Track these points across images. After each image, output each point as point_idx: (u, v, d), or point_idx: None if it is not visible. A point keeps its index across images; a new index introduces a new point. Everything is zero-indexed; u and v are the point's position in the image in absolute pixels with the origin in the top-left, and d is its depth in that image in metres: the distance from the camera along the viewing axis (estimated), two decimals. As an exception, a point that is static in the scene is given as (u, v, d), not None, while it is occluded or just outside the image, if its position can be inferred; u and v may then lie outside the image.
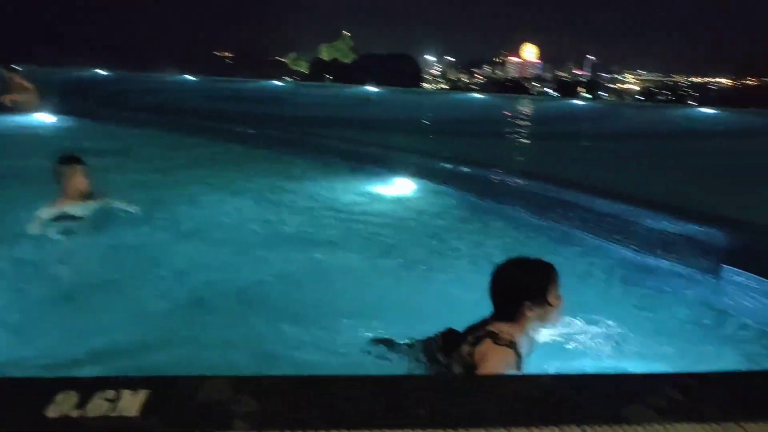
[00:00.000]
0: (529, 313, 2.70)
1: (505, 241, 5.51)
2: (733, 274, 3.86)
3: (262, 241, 5.40)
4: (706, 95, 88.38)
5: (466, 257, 5.12)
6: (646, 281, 4.26)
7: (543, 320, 2.75)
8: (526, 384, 2.01)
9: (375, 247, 5.39)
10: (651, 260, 4.47)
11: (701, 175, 11.72)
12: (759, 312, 3.67)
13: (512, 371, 2.53)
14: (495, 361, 2.52)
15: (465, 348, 2.65)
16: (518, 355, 2.60)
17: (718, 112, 36.09)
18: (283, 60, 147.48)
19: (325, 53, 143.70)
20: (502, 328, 2.67)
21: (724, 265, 3.95)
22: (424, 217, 6.51)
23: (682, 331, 3.46)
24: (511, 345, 2.60)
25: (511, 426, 1.70)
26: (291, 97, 36.15)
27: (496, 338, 2.61)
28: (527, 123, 26.26)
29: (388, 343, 3.05)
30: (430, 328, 2.96)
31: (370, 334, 3.27)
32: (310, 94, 38.94)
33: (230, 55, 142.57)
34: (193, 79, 46.37)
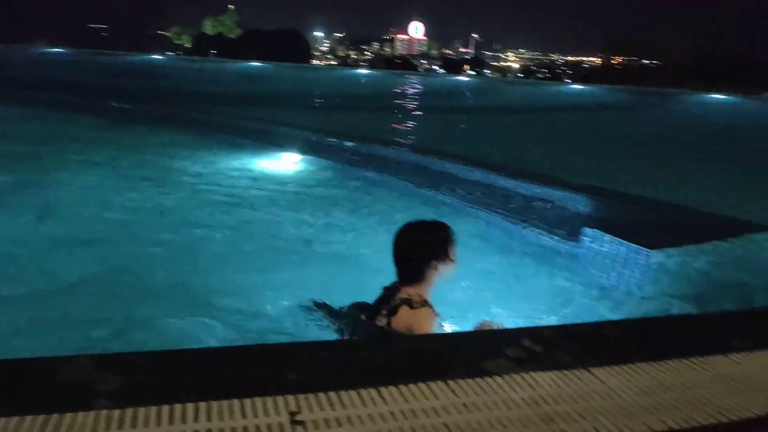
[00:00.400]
0: (434, 273, 2.79)
1: (389, 210, 5.61)
2: (592, 236, 4.16)
3: (138, 219, 5.15)
4: (578, 73, 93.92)
5: (354, 228, 5.17)
6: (513, 244, 4.49)
7: (444, 277, 2.84)
8: (393, 345, 2.05)
9: (261, 222, 5.31)
10: (519, 225, 4.70)
11: (569, 146, 12.52)
12: (611, 269, 3.99)
13: (438, 329, 2.63)
14: (419, 325, 2.58)
15: (381, 320, 2.66)
16: (436, 313, 2.68)
17: (588, 88, 38.65)
18: (165, 34, 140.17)
19: (209, 27, 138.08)
20: (411, 292, 2.74)
21: (585, 228, 4.25)
22: (311, 190, 6.48)
23: (546, 288, 3.68)
24: (426, 304, 2.69)
25: (380, 386, 1.73)
26: (171, 71, 34.44)
27: (411, 303, 2.67)
28: (412, 98, 26.71)
29: (322, 309, 2.93)
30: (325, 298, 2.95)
31: (257, 308, 3.24)
32: (192, 69, 37.31)
33: (106, 26, 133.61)
34: (64, 51, 42.99)
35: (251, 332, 3.13)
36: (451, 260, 2.83)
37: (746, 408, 1.76)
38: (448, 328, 2.81)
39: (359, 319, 2.74)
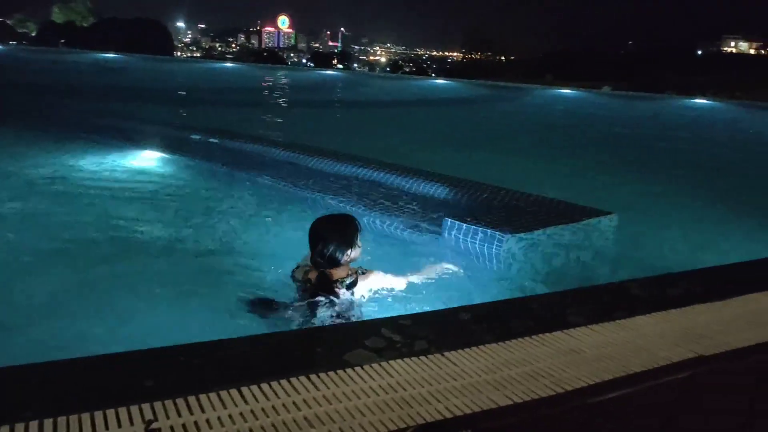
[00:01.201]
0: (347, 258, 3.36)
1: (255, 207, 5.54)
2: (453, 224, 4.39)
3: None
4: (442, 67, 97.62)
5: (221, 228, 5.02)
6: (382, 237, 4.61)
7: (354, 260, 3.44)
8: (257, 341, 2.05)
9: (118, 227, 5.00)
10: (385, 216, 4.82)
11: (430, 138, 13.05)
12: (471, 253, 4.24)
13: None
14: (378, 283, 3.40)
15: (341, 294, 3.27)
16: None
17: (451, 82, 40.35)
18: (7, 22, 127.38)
19: (58, 15, 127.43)
20: (338, 272, 3.35)
21: (447, 218, 4.46)
22: (172, 190, 6.22)
23: (412, 278, 3.83)
24: (365, 271, 3.45)
25: (241, 386, 1.72)
26: (11, 62, 31.47)
27: (359, 274, 3.39)
28: (280, 92, 26.40)
29: (267, 305, 3.32)
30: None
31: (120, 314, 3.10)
32: (37, 60, 34.31)
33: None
34: None
35: (115, 340, 2.99)
36: (359, 246, 3.42)
37: (579, 378, 1.96)
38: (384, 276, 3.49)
39: (312, 302, 3.22)
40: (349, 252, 3.34)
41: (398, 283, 3.53)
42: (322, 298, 3.24)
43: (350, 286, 3.33)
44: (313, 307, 3.21)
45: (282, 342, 2.08)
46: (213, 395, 1.66)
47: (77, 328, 3.06)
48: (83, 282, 3.81)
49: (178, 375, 1.78)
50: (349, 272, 3.39)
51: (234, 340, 2.02)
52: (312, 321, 3.13)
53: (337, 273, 3.35)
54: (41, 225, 4.95)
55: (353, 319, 3.19)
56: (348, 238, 3.36)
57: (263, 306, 3.30)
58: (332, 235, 3.32)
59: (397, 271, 3.61)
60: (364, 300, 3.35)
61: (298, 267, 3.51)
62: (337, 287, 3.29)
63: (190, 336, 2.62)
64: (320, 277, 3.32)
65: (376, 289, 3.42)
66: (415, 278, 3.66)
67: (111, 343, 2.94)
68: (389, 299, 3.44)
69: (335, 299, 3.26)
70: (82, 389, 1.69)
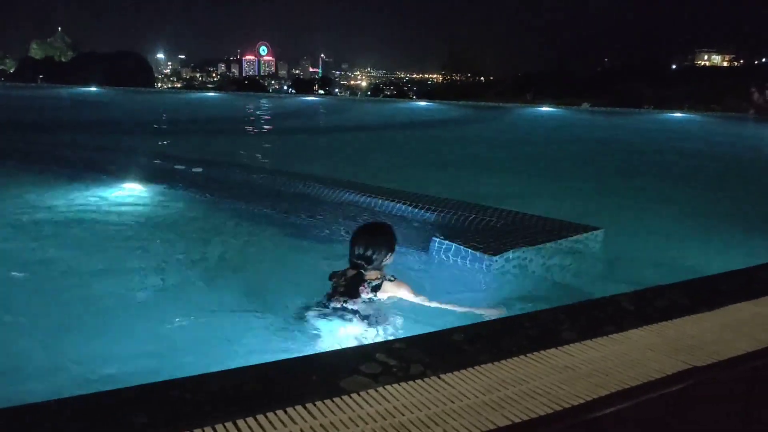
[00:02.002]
0: (387, 261, 3.79)
1: (237, 237, 5.51)
2: (441, 244, 4.40)
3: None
4: (423, 90, 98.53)
5: (207, 259, 4.98)
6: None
7: (390, 263, 3.83)
8: (249, 372, 2.04)
9: (106, 260, 4.95)
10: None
11: (417, 160, 13.14)
12: (460, 273, 4.25)
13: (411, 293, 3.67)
14: (401, 292, 3.66)
15: (365, 294, 3.61)
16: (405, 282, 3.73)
17: (433, 104, 40.76)
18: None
19: (36, 51, 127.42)
20: (370, 275, 3.68)
21: (435, 237, 4.48)
22: (154, 221, 6.17)
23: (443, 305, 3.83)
24: (395, 278, 3.71)
25: (236, 418, 1.71)
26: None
27: (388, 279, 3.68)
28: (262, 120, 26.47)
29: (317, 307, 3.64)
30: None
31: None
32: (15, 96, 34.19)
33: None
34: None
35: (101, 373, 2.95)
36: (394, 251, 3.84)
37: (575, 395, 1.96)
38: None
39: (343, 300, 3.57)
40: (383, 255, 3.76)
41: (424, 302, 3.69)
42: (342, 305, 3.58)
43: (375, 288, 3.62)
44: (337, 310, 3.57)
45: (275, 371, 2.07)
46: (208, 429, 1.64)
47: (58, 363, 3.01)
48: (64, 316, 3.75)
49: (171, 410, 1.76)
50: (379, 276, 3.69)
51: (227, 371, 2.00)
52: (335, 319, 3.50)
53: (370, 275, 3.69)
54: (20, 260, 4.89)
55: (371, 319, 3.50)
56: (383, 241, 3.79)
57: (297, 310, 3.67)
58: (370, 238, 3.76)
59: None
60: (385, 304, 3.64)
61: (336, 271, 3.84)
62: (363, 287, 3.62)
63: (182, 370, 2.60)
64: (355, 276, 3.67)
65: (398, 299, 3.69)
66: (444, 306, 3.66)
67: (94, 378, 2.91)
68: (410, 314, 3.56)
69: (356, 300, 3.59)
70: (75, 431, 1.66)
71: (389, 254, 3.80)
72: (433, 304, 3.68)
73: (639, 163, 14.28)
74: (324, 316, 3.55)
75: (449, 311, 3.65)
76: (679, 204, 8.48)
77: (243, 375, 2.03)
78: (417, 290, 3.70)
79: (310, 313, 3.58)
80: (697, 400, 2.14)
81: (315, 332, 3.45)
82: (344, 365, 2.06)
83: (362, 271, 3.71)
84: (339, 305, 3.58)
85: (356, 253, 3.73)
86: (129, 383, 1.88)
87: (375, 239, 3.77)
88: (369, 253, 3.70)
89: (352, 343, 3.21)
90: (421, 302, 3.68)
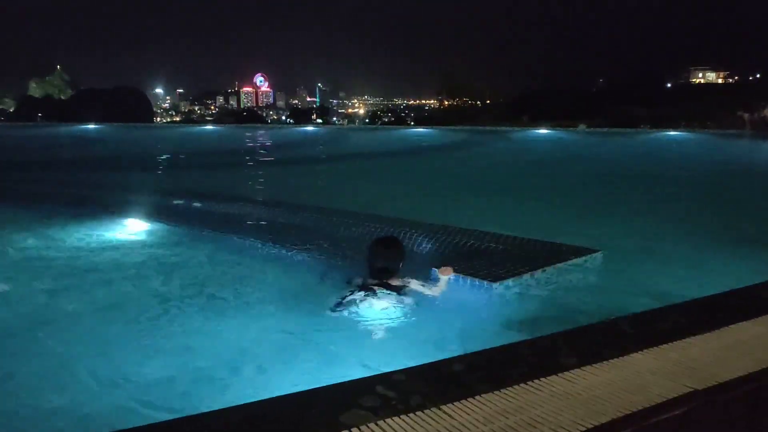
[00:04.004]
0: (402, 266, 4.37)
1: (241, 268, 5.49)
2: (440, 275, 4.41)
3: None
4: (420, 115, 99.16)
5: (208, 295, 4.94)
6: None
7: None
8: (248, 409, 2.03)
9: (110, 298, 4.91)
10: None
11: (417, 187, 13.19)
12: (460, 301, 4.24)
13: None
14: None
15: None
16: None
17: (430, 129, 41.06)
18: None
19: (35, 89, 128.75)
20: (395, 281, 4.27)
21: (434, 269, 4.49)
22: (157, 258, 6.16)
23: (406, 329, 3.83)
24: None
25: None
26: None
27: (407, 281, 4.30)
28: (261, 151, 26.62)
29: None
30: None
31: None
32: (12, 136, 34.50)
33: None
34: None
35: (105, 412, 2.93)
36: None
37: (577, 422, 1.95)
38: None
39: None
40: (404, 264, 4.37)
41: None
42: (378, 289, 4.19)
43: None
44: (374, 291, 4.16)
45: (275, 407, 2.06)
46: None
47: (62, 400, 2.99)
48: (69, 355, 3.74)
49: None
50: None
51: (226, 410, 2.00)
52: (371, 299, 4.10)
53: (394, 281, 4.24)
54: (25, 301, 4.88)
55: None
56: (404, 252, 4.43)
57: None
58: (394, 252, 4.39)
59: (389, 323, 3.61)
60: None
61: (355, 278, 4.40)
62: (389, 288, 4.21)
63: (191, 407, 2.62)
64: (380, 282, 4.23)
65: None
66: (406, 329, 3.68)
67: (99, 412, 2.90)
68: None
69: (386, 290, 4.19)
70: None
71: (402, 262, 4.40)
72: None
73: (645, 185, 14.29)
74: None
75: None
76: (690, 223, 8.46)
77: (242, 413, 2.02)
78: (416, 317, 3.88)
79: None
80: (700, 423, 2.13)
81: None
82: (343, 399, 2.06)
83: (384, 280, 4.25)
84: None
85: (381, 263, 4.30)
86: (135, 420, 1.88)
87: (394, 252, 4.40)
88: (390, 262, 4.32)
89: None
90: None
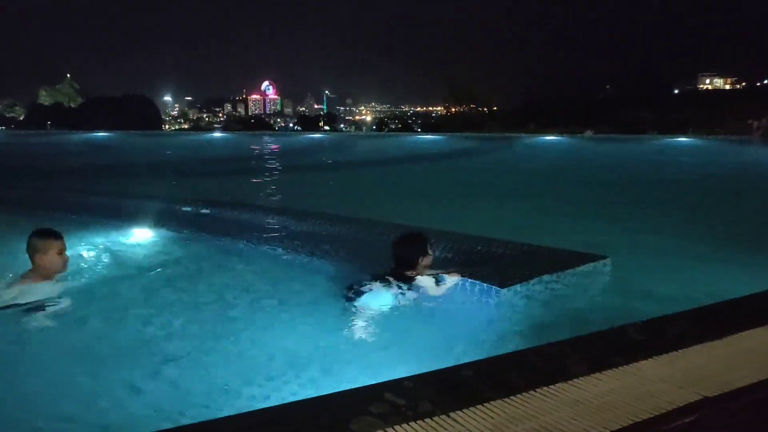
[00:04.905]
0: (423, 262, 4.51)
1: (253, 274, 5.46)
2: (448, 279, 4.41)
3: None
4: (427, 122, 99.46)
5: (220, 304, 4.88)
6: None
7: (427, 264, 4.57)
8: (258, 416, 2.04)
9: (115, 309, 4.88)
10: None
11: (426, 192, 13.22)
12: (467, 305, 4.24)
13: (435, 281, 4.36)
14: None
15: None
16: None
17: (437, 136, 41.14)
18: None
19: (45, 98, 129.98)
20: (410, 273, 4.45)
21: (441, 273, 4.49)
22: (164, 265, 6.14)
23: (413, 336, 3.83)
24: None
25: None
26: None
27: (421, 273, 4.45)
28: (268, 158, 26.72)
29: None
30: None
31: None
32: (22, 144, 34.77)
33: None
34: None
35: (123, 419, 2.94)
36: (430, 254, 4.58)
37: (587, 430, 1.95)
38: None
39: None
40: (423, 258, 4.52)
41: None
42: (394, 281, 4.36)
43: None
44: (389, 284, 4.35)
45: (285, 414, 2.07)
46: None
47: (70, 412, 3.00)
48: (77, 366, 3.73)
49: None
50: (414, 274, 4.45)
51: (237, 416, 2.01)
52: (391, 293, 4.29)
53: (410, 273, 4.43)
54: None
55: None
56: (423, 246, 4.56)
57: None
58: (411, 247, 4.56)
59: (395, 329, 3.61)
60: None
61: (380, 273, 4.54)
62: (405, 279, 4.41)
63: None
64: (398, 275, 4.42)
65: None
66: (414, 335, 3.69)
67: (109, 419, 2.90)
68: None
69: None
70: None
71: (423, 258, 4.51)
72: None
73: (656, 190, 14.23)
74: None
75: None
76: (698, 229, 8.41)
77: (252, 419, 2.03)
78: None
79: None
80: (710, 431, 2.12)
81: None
82: (353, 406, 2.06)
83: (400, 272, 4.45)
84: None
85: (400, 258, 4.53)
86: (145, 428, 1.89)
87: (412, 246, 4.56)
88: (407, 257, 4.51)
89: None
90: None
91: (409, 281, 4.40)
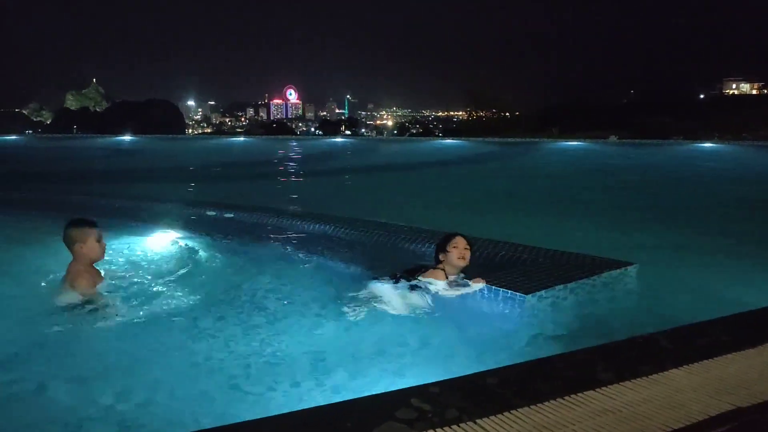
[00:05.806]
0: (442, 258, 4.73)
1: (277, 278, 5.44)
2: (472, 285, 4.38)
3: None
4: (449, 127, 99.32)
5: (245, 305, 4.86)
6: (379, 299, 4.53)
7: (451, 261, 4.69)
8: (283, 420, 2.04)
9: (153, 314, 4.85)
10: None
11: (450, 198, 13.15)
12: (491, 312, 4.21)
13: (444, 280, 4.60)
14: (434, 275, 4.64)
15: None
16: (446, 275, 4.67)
17: (459, 141, 40.99)
18: (22, 111, 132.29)
19: (71, 102, 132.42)
20: (430, 267, 4.76)
21: (465, 279, 4.46)
22: (190, 270, 6.15)
23: (433, 341, 3.80)
24: (438, 269, 4.68)
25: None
26: (25, 151, 32.43)
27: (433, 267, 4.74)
28: (291, 162, 26.85)
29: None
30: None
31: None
32: (50, 148, 35.36)
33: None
34: None
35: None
36: (449, 252, 4.71)
37: (616, 439, 1.92)
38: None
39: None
40: (441, 255, 4.75)
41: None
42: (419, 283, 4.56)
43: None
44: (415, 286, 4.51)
45: (308, 419, 2.06)
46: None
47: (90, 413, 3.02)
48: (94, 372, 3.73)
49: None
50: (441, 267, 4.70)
51: (256, 421, 2.00)
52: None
53: (430, 267, 4.74)
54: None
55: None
56: (440, 246, 4.82)
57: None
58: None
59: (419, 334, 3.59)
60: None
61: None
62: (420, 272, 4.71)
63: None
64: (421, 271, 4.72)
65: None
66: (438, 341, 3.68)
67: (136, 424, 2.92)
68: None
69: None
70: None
71: (440, 253, 4.76)
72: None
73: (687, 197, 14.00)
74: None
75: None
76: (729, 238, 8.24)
77: (278, 423, 2.03)
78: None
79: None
80: (744, 443, 2.07)
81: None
82: (379, 411, 2.05)
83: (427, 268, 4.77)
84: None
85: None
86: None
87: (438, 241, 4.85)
88: (436, 250, 4.86)
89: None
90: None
91: (434, 279, 4.59)
